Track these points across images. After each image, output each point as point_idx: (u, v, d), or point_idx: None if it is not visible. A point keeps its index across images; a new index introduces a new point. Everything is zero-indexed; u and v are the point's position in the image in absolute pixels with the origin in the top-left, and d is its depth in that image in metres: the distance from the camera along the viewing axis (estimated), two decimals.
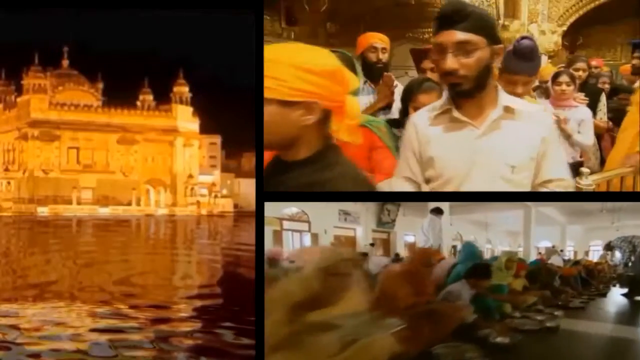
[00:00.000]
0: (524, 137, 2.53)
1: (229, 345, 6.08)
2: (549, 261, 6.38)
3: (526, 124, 2.55)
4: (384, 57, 4.80)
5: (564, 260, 7.66)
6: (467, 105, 2.53)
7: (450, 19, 2.44)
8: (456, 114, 2.54)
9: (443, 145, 2.56)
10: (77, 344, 5.95)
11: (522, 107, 2.59)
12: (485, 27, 2.46)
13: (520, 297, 4.85)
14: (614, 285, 6.88)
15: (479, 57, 2.43)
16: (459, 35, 2.42)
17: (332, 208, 8.10)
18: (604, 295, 6.21)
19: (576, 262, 7.51)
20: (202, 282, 10.96)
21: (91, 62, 53.23)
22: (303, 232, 7.93)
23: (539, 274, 5.75)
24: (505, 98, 2.57)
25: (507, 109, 2.54)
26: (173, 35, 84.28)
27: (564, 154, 2.82)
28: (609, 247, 7.65)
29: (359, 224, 8.88)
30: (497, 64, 2.54)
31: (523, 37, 4.13)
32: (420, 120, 2.67)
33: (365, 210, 8.82)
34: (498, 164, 2.52)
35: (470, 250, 4.93)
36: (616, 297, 6.06)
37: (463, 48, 2.42)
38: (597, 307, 5.29)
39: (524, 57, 3.86)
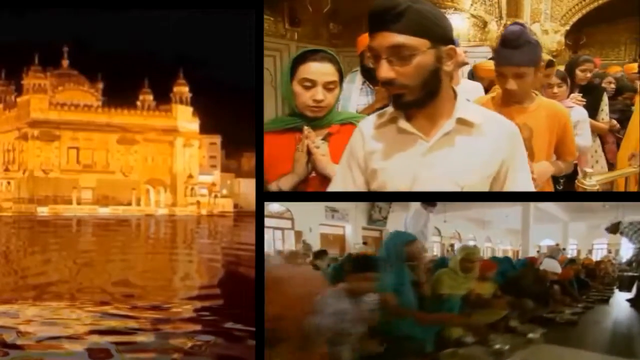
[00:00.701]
0: (481, 154, 2.21)
1: (229, 345, 6.05)
2: (543, 263, 5.16)
3: (485, 139, 2.22)
4: None
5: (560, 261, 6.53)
6: (418, 115, 2.22)
7: (381, 19, 2.09)
8: (403, 124, 2.23)
9: (388, 158, 2.26)
10: (77, 345, 5.92)
11: (482, 119, 2.24)
12: (427, 26, 2.09)
13: (479, 312, 3.59)
14: (618, 288, 6.05)
15: (419, 62, 2.09)
16: (392, 38, 2.07)
17: (318, 205, 7.86)
18: (606, 301, 5.27)
19: (571, 261, 6.52)
20: (203, 282, 10.93)
21: (91, 62, 53.60)
22: (285, 229, 7.75)
23: (523, 278, 4.69)
24: (462, 109, 2.23)
25: (463, 122, 2.20)
26: (173, 35, 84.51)
27: (528, 171, 2.37)
28: (615, 229, 6.38)
29: (347, 221, 8.72)
30: (448, 68, 2.16)
31: (513, 24, 3.67)
32: (367, 128, 2.35)
33: (354, 208, 8.60)
34: (444, 183, 2.21)
35: (394, 240, 3.39)
36: (620, 303, 5.16)
37: (398, 53, 2.08)
38: (593, 320, 4.20)
39: (510, 44, 3.38)
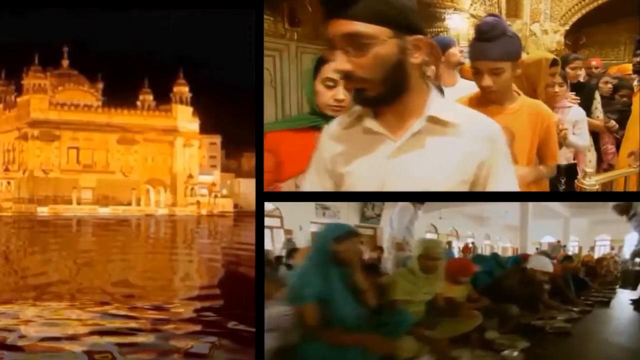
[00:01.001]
0: (455, 156, 2.00)
1: (230, 345, 6.04)
2: (531, 260, 4.38)
3: (462, 139, 2.00)
4: None
5: (553, 259, 5.74)
6: (387, 113, 2.02)
7: (335, 5, 1.90)
8: (369, 123, 2.03)
9: (353, 161, 2.07)
10: (77, 346, 5.92)
11: (459, 118, 2.02)
12: (387, 13, 1.88)
13: (445, 323, 2.96)
14: (621, 286, 5.54)
15: (378, 53, 1.88)
16: (347, 26, 1.88)
17: (309, 202, 7.71)
18: (607, 303, 4.62)
19: (568, 258, 5.89)
20: (203, 282, 10.93)
21: (91, 62, 53.51)
22: (275, 228, 7.64)
23: (507, 279, 4.05)
24: (435, 106, 2.01)
25: (435, 120, 1.99)
26: (173, 35, 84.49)
27: (512, 172, 2.16)
28: (626, 210, 5.57)
29: (339, 219, 8.58)
30: (416, 60, 1.95)
31: (487, 15, 3.38)
32: (334, 128, 2.17)
33: (346, 205, 8.44)
34: (413, 187, 2.02)
35: (323, 235, 2.70)
36: (623, 305, 4.56)
37: (354, 42, 1.88)
38: (590, 328, 3.53)
39: (484, 37, 3.12)
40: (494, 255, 5.12)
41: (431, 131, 2.00)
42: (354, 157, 2.07)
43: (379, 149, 2.02)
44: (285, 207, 7.37)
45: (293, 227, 7.75)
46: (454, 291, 3.31)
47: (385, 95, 1.95)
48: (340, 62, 1.91)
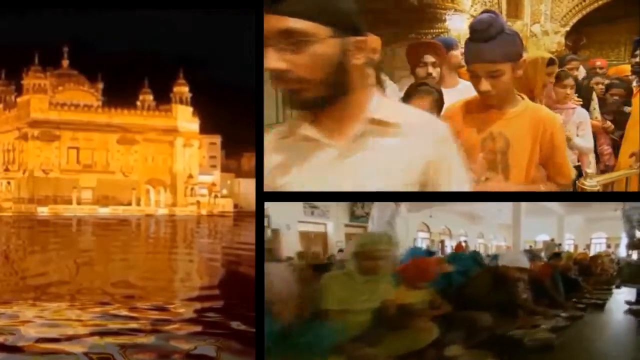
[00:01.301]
0: (400, 159, 1.90)
1: (229, 344, 6.04)
2: (501, 256, 3.78)
3: (406, 140, 1.90)
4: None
5: (535, 257, 5.32)
6: (325, 118, 1.92)
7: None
8: (306, 130, 1.92)
9: (290, 172, 1.96)
10: (78, 347, 5.92)
11: (402, 119, 1.92)
12: (327, 11, 1.78)
13: (391, 337, 2.41)
14: (620, 284, 5.14)
15: (316, 52, 1.77)
16: (281, 22, 1.77)
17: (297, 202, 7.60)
18: (601, 306, 4.08)
19: (556, 255, 5.38)
20: (203, 282, 10.93)
21: (91, 62, 53.53)
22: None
23: (476, 280, 3.40)
24: (376, 108, 1.91)
25: (377, 122, 1.89)
26: (173, 35, 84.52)
27: (463, 172, 2.04)
28: None
29: (328, 218, 8.50)
30: (358, 61, 1.85)
31: (483, 12, 3.10)
32: (271, 140, 2.05)
33: (335, 204, 8.37)
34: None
35: None
36: (619, 308, 4.02)
37: (289, 40, 1.77)
38: (581, 337, 3.02)
39: (479, 37, 2.85)
40: (473, 253, 4.65)
41: (374, 133, 1.90)
42: (291, 167, 1.95)
43: (319, 156, 1.92)
44: (273, 206, 7.30)
45: (280, 226, 7.70)
46: (413, 296, 2.74)
47: (325, 97, 1.85)
48: (272, 60, 1.78)
